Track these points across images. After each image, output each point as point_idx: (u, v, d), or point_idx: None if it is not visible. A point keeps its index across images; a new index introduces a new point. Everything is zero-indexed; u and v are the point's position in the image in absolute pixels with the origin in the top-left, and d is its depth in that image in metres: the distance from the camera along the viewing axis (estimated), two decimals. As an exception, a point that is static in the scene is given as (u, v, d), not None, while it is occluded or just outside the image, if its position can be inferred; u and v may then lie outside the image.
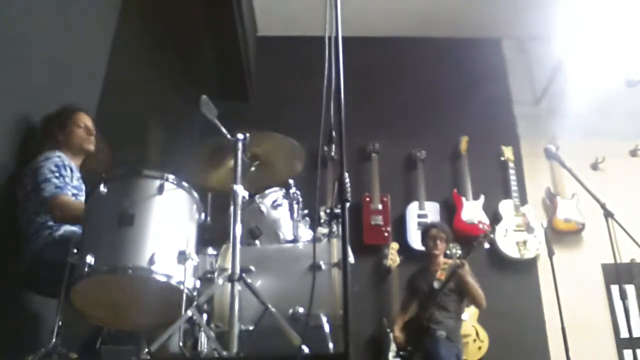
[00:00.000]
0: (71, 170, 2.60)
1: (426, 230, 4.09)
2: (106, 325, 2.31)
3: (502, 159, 5.44)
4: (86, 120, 2.80)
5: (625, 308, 3.02)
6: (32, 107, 2.76)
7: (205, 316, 2.18)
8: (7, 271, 2.49)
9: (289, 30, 5.85)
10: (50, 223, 2.47)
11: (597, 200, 2.99)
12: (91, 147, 2.78)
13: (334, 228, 2.45)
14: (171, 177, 2.24)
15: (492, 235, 4.38)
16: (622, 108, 5.24)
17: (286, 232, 2.76)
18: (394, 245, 4.94)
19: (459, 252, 4.04)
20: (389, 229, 5.09)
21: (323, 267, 2.23)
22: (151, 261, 2.05)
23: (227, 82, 5.47)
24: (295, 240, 2.72)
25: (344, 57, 1.93)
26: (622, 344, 4.76)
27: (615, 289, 4.74)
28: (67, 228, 2.48)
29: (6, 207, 2.55)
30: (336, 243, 2.34)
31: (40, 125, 2.73)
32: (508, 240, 5.03)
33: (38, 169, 2.51)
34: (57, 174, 2.51)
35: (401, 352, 3.85)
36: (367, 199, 5.21)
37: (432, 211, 5.20)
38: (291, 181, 2.87)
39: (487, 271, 4.87)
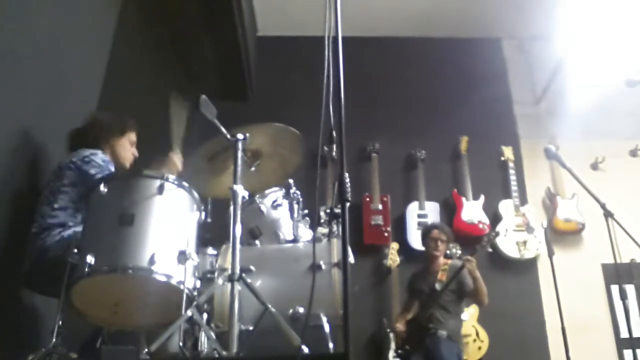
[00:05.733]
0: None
1: (427, 232, 4.10)
2: (106, 325, 2.31)
3: (502, 159, 5.45)
4: (134, 139, 2.87)
5: (625, 308, 3.01)
6: (31, 107, 2.76)
7: (205, 316, 2.18)
8: (7, 271, 2.49)
9: (289, 30, 5.85)
10: (70, 223, 2.46)
11: (597, 200, 2.99)
12: (128, 165, 2.82)
13: (334, 228, 2.45)
14: (171, 177, 2.24)
15: (495, 240, 4.39)
16: (622, 108, 5.24)
17: (286, 232, 2.76)
18: (394, 245, 4.94)
19: (459, 252, 4.04)
20: (389, 229, 5.09)
21: (323, 267, 2.23)
22: (151, 261, 2.05)
23: (227, 82, 5.46)
24: (295, 240, 2.72)
25: (344, 57, 1.93)
26: (622, 344, 4.76)
27: (615, 289, 4.71)
28: (76, 229, 2.48)
29: (7, 207, 2.55)
30: (336, 243, 2.34)
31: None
32: (508, 240, 5.02)
33: (86, 163, 2.50)
34: (107, 170, 2.51)
35: (399, 351, 3.86)
36: (367, 199, 5.21)
37: (432, 211, 5.20)
38: (291, 181, 2.88)
39: (487, 271, 4.86)
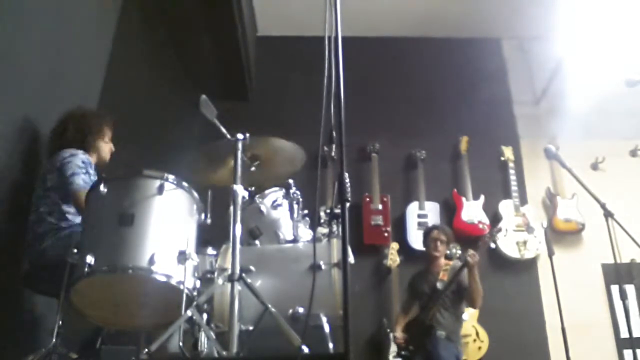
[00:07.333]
0: (94, 169, 2.65)
1: (428, 232, 4.11)
2: (106, 325, 2.31)
3: (502, 159, 5.44)
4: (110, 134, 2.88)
5: (625, 308, 3.01)
6: (32, 107, 2.76)
7: (205, 316, 2.18)
8: (7, 271, 2.49)
9: (289, 30, 5.85)
10: (63, 225, 2.47)
11: (597, 200, 2.99)
12: (108, 158, 2.85)
13: (334, 228, 2.44)
14: (171, 177, 2.24)
15: (497, 235, 4.40)
16: (622, 108, 5.24)
17: (286, 232, 2.76)
18: (394, 245, 4.94)
19: (459, 252, 4.03)
20: (389, 229, 5.08)
21: (323, 267, 2.23)
22: (151, 261, 2.05)
23: (227, 82, 5.47)
24: (295, 240, 2.72)
25: (344, 57, 1.93)
26: (622, 344, 4.75)
27: (615, 289, 4.73)
28: (73, 229, 2.48)
29: (7, 208, 2.55)
30: (336, 243, 2.34)
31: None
32: (508, 240, 5.02)
33: (65, 165, 2.53)
34: (84, 170, 2.54)
35: (402, 352, 3.86)
36: (367, 199, 5.21)
37: (432, 211, 5.19)
38: (291, 181, 2.87)
39: (487, 271, 4.87)
